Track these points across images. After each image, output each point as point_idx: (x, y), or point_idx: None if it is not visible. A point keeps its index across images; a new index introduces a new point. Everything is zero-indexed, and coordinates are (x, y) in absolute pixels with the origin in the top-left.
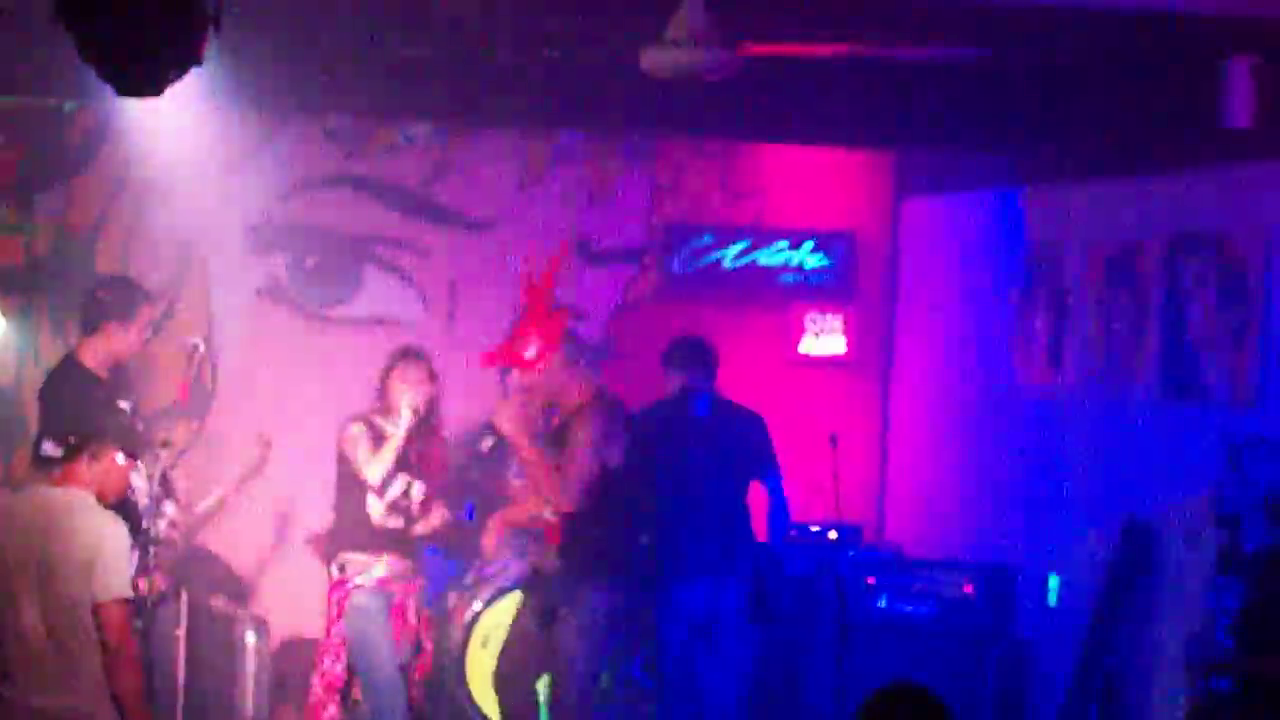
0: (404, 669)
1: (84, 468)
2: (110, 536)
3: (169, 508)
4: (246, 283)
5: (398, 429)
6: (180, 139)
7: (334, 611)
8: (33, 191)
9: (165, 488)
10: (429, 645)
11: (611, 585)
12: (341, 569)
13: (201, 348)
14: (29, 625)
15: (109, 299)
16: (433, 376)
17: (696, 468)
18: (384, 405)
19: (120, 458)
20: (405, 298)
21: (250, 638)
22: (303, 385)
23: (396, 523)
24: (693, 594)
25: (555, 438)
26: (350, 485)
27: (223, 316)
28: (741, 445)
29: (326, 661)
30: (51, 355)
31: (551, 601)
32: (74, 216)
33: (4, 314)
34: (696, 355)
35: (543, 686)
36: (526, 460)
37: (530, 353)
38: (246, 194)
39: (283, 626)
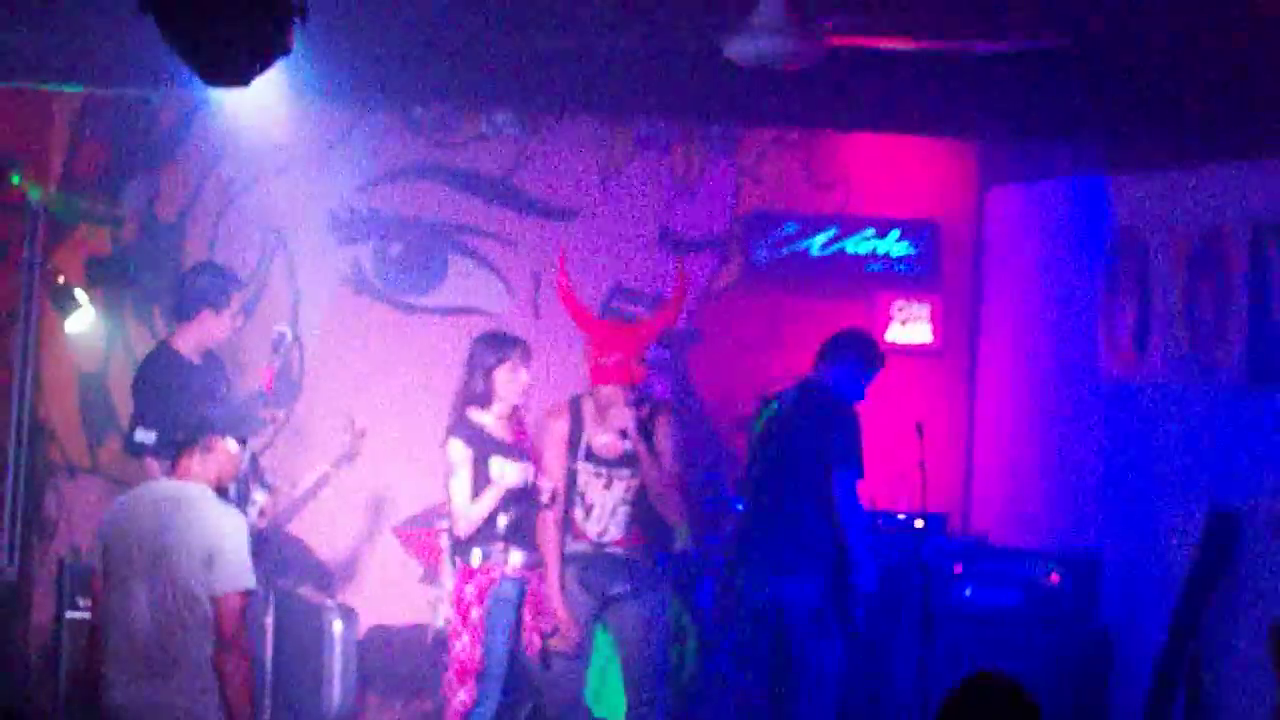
0: (543, 653)
1: (197, 461)
2: (231, 528)
3: (259, 495)
4: (331, 272)
5: (499, 478)
6: (266, 129)
7: (472, 598)
8: (120, 182)
9: (254, 476)
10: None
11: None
12: (485, 557)
13: (288, 336)
14: (137, 616)
15: (202, 285)
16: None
17: (765, 461)
18: (483, 395)
19: (232, 444)
20: (490, 287)
21: (337, 627)
22: (387, 375)
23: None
24: (758, 589)
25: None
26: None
27: (307, 306)
28: (812, 439)
29: (458, 647)
30: (139, 344)
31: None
32: (160, 206)
33: (92, 303)
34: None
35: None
36: (643, 458)
37: (618, 363)
38: (331, 183)
39: (370, 615)
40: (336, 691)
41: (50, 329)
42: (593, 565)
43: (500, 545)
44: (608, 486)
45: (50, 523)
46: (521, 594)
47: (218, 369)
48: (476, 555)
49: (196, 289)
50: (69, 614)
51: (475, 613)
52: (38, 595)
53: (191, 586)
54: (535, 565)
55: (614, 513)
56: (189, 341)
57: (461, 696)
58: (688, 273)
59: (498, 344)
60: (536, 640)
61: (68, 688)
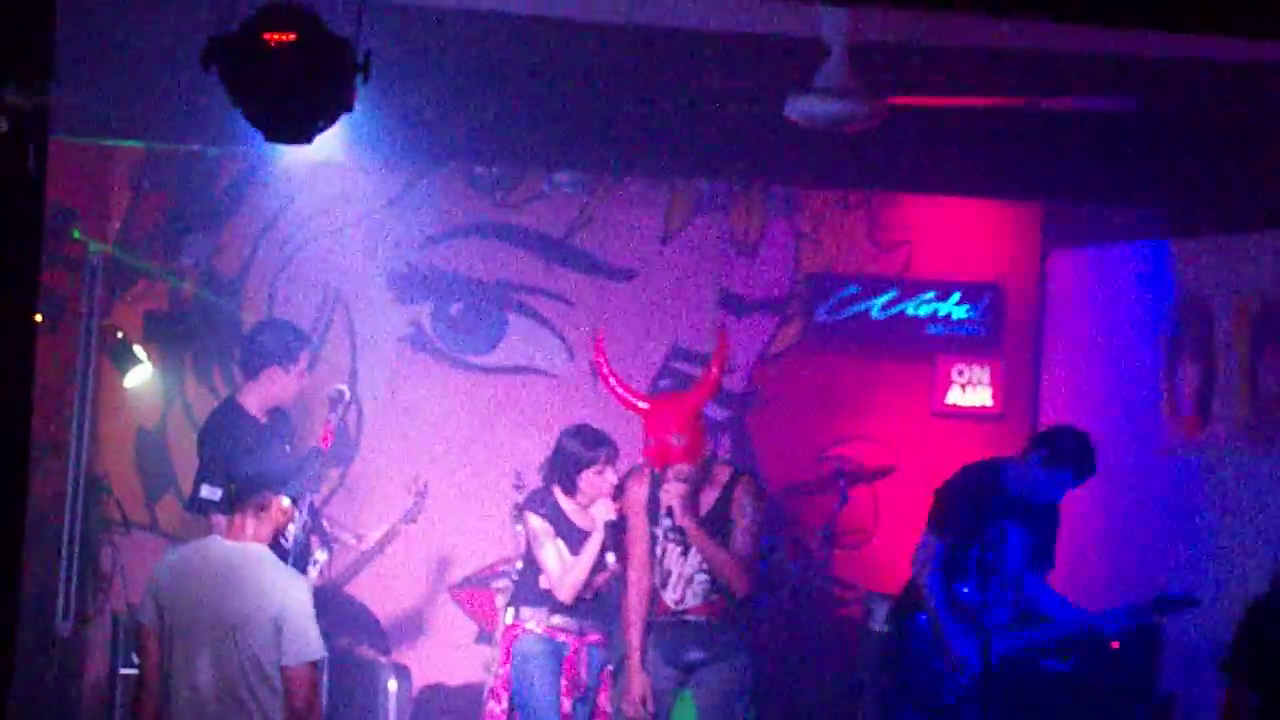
0: (569, 717)
1: (251, 519)
2: (297, 598)
3: (319, 554)
4: (390, 330)
5: (589, 543)
6: (326, 186)
7: (503, 655)
8: (180, 236)
9: (316, 532)
10: (606, 706)
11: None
12: (516, 613)
13: (346, 394)
14: (203, 683)
15: (270, 342)
16: (617, 459)
17: None
18: (567, 487)
19: (285, 501)
20: (549, 347)
21: (392, 685)
22: (446, 434)
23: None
24: None
25: (711, 523)
26: (532, 558)
27: (366, 364)
28: None
29: (490, 703)
30: (198, 400)
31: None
32: (220, 262)
33: (150, 359)
34: None
35: None
36: (692, 537)
37: (676, 442)
38: (391, 241)
39: (423, 674)
40: None
41: (109, 384)
42: (672, 634)
43: (538, 604)
44: (685, 554)
45: (106, 579)
46: (557, 654)
47: (284, 426)
48: (510, 613)
49: (264, 346)
50: (123, 670)
51: (501, 670)
52: (93, 652)
53: (259, 656)
54: (578, 631)
55: (691, 580)
56: (255, 399)
57: None
58: (730, 333)
59: (587, 445)
60: (566, 705)
61: None
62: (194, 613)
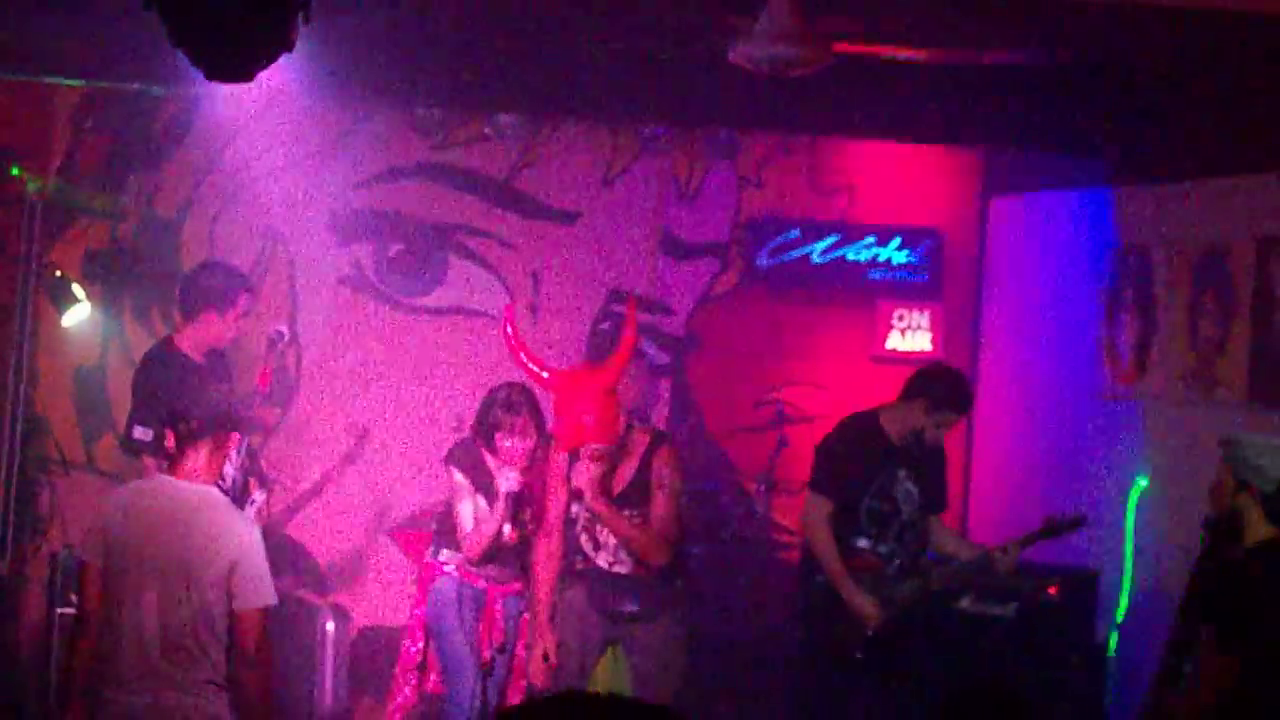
0: (488, 667)
1: (205, 458)
2: (252, 543)
3: (257, 494)
4: (330, 271)
5: (494, 510)
6: (267, 126)
7: (419, 594)
8: (120, 176)
9: (254, 473)
10: (521, 653)
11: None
12: (436, 553)
13: (285, 335)
14: (148, 623)
15: (205, 285)
16: (539, 425)
17: None
18: (492, 450)
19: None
20: (489, 289)
21: (330, 627)
22: (385, 375)
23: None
24: None
25: (632, 494)
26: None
27: (306, 305)
28: None
29: (406, 643)
30: (136, 340)
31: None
32: (160, 202)
33: (89, 298)
34: None
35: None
36: (606, 520)
37: (587, 420)
38: (331, 182)
39: (362, 616)
40: (328, 692)
41: (47, 323)
42: (604, 584)
43: (458, 548)
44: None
45: (43, 519)
46: (476, 600)
47: (221, 368)
48: (430, 552)
49: (200, 288)
50: (61, 610)
51: (419, 610)
52: (31, 592)
53: (210, 600)
54: (498, 579)
55: (619, 548)
56: (190, 340)
57: (406, 693)
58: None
59: (505, 408)
60: (485, 654)
61: (57, 685)
62: (144, 554)
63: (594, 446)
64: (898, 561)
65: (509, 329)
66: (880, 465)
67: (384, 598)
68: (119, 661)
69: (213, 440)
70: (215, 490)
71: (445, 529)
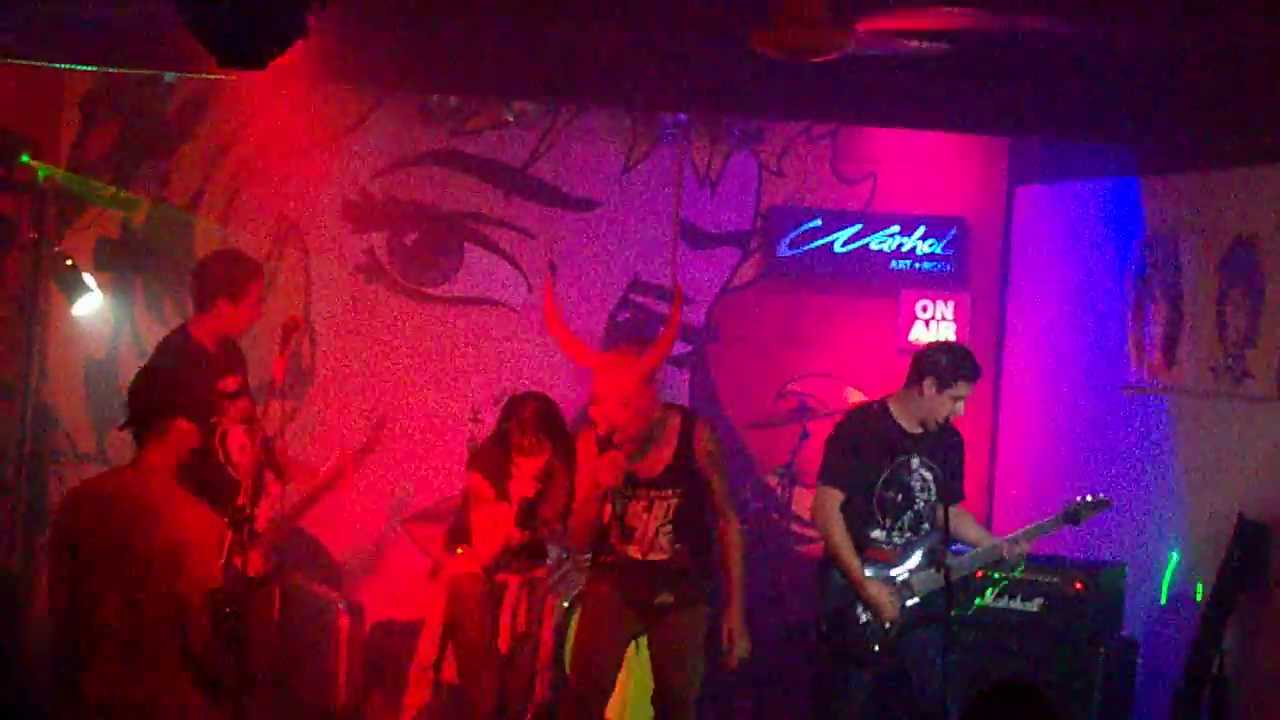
0: (508, 657)
1: (155, 448)
2: (196, 528)
3: (274, 488)
4: (345, 259)
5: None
6: (280, 113)
7: (439, 591)
8: (132, 164)
9: (270, 468)
10: (550, 638)
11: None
12: (454, 550)
13: (300, 325)
14: (112, 615)
15: (219, 275)
16: (553, 437)
17: None
18: (506, 454)
19: (184, 423)
20: (506, 278)
21: (343, 621)
22: (401, 365)
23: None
24: None
25: (670, 476)
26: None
27: (320, 294)
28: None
29: (424, 639)
30: (148, 330)
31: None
32: (172, 190)
33: (100, 287)
34: None
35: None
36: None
37: (624, 405)
38: (346, 170)
39: (376, 610)
40: (342, 686)
41: (58, 314)
42: (637, 575)
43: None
44: (648, 509)
45: (53, 510)
46: (494, 595)
47: (235, 357)
48: (449, 549)
49: (212, 279)
50: None
51: (437, 607)
52: (41, 584)
53: (164, 587)
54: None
55: (656, 534)
56: (206, 329)
57: (421, 689)
58: (690, 266)
59: (520, 429)
60: (504, 645)
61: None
62: (100, 547)
63: (626, 438)
64: (916, 552)
65: (549, 306)
66: (892, 454)
67: (397, 593)
68: (92, 654)
69: (159, 428)
70: (162, 477)
71: (461, 526)
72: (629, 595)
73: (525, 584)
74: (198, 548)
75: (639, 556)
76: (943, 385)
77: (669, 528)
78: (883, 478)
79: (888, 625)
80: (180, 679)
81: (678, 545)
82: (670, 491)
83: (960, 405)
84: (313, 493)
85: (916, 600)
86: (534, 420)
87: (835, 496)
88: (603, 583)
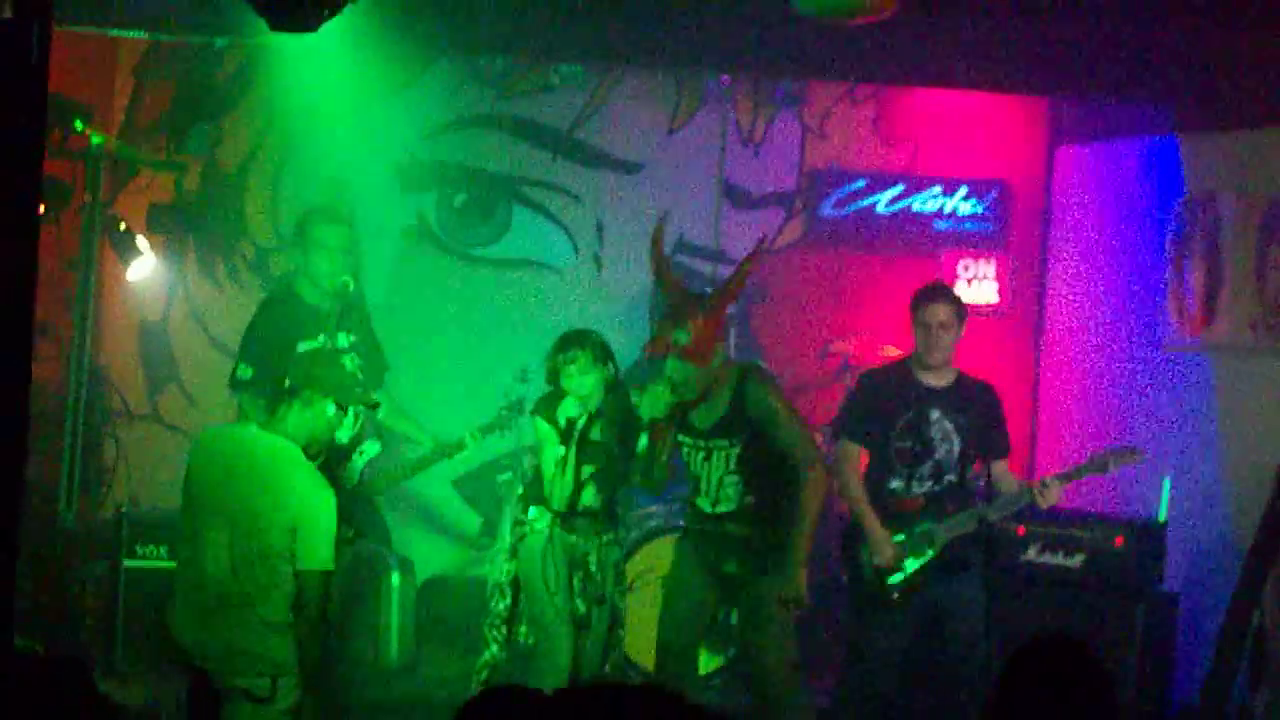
0: (584, 619)
1: (295, 414)
2: (323, 507)
3: (369, 445)
4: (394, 221)
5: (571, 436)
6: (331, 77)
7: (510, 551)
8: (184, 128)
9: (369, 429)
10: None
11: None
12: (525, 509)
13: (351, 285)
14: (214, 564)
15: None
16: (599, 360)
17: None
18: (559, 389)
19: (331, 408)
20: (553, 239)
21: (395, 579)
22: (448, 326)
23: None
24: None
25: (723, 427)
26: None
27: (369, 256)
28: None
29: (494, 599)
30: (200, 293)
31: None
32: (223, 154)
33: (153, 250)
34: None
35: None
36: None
37: (685, 340)
38: (395, 133)
39: (427, 567)
40: (394, 643)
41: (111, 276)
42: (710, 543)
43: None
44: (708, 459)
45: (108, 471)
46: (568, 553)
47: (347, 317)
48: (520, 509)
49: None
50: (127, 562)
51: (508, 567)
52: (97, 543)
53: (274, 553)
54: (584, 531)
55: (721, 484)
56: (306, 284)
57: (494, 649)
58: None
59: (556, 346)
60: (580, 605)
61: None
62: (216, 495)
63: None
64: (939, 500)
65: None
66: (908, 405)
67: (447, 550)
68: (180, 595)
69: (303, 399)
70: (291, 445)
71: (535, 483)
72: (705, 558)
73: (599, 545)
74: (322, 527)
75: (710, 510)
76: (913, 312)
77: (735, 479)
78: (898, 428)
79: (883, 566)
80: (266, 630)
81: (748, 499)
82: (726, 442)
83: (942, 334)
84: (423, 458)
85: (935, 551)
86: (578, 338)
87: (849, 448)
88: (683, 551)
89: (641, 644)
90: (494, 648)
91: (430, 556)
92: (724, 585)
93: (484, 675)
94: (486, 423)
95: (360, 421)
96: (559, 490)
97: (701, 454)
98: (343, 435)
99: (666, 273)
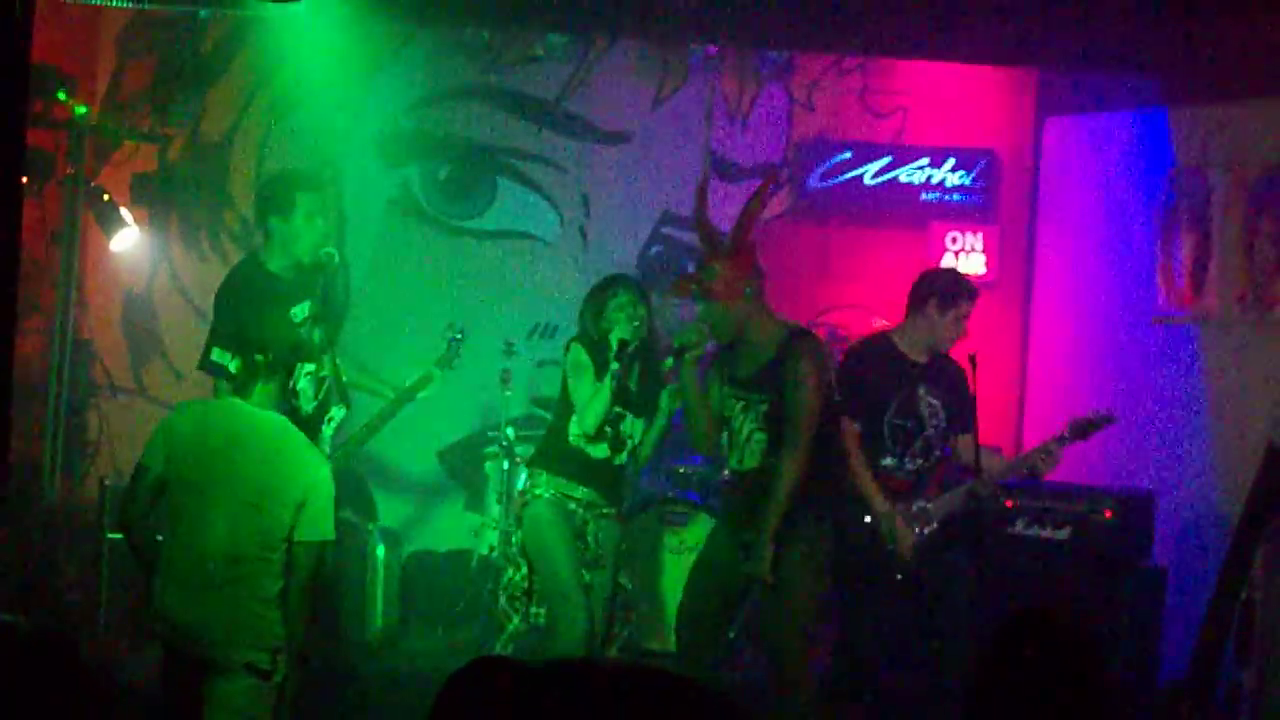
0: (586, 585)
1: (275, 388)
2: (325, 480)
3: (336, 410)
4: (378, 193)
5: (612, 364)
6: (314, 48)
7: (516, 521)
8: (168, 99)
9: (337, 393)
10: (625, 583)
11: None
12: (530, 477)
13: (335, 258)
14: (214, 540)
15: (268, 195)
16: (645, 301)
17: None
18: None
19: (300, 382)
20: (539, 211)
21: (380, 551)
22: (433, 298)
23: (599, 452)
24: None
25: (757, 381)
26: (562, 406)
27: (354, 227)
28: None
29: (509, 570)
30: (184, 265)
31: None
32: (207, 125)
33: (136, 222)
34: None
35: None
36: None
37: (711, 279)
38: (380, 104)
39: (412, 540)
40: (379, 614)
41: (95, 248)
42: (734, 507)
43: (554, 472)
44: (744, 410)
45: (92, 445)
46: (570, 520)
47: (305, 285)
48: (524, 478)
49: (264, 200)
50: (110, 535)
51: (517, 535)
52: (81, 516)
53: (272, 528)
54: (590, 505)
55: (749, 439)
56: (273, 255)
57: (515, 621)
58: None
59: (599, 285)
60: (585, 574)
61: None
62: (216, 470)
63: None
64: (928, 478)
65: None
66: (899, 383)
67: (433, 522)
68: (174, 572)
69: (287, 372)
70: (284, 419)
71: (543, 451)
72: (732, 521)
73: (598, 519)
74: (324, 500)
75: (737, 465)
76: (946, 306)
77: (761, 436)
78: (893, 406)
79: (890, 545)
80: (258, 602)
81: (771, 458)
82: (758, 397)
83: (963, 325)
84: (384, 412)
85: (934, 527)
86: (619, 279)
87: (846, 425)
88: (718, 515)
89: None
90: (515, 619)
91: (415, 530)
92: (746, 551)
93: (510, 650)
94: (439, 356)
95: (325, 389)
96: (593, 411)
97: (741, 404)
98: (308, 406)
99: (705, 222)
